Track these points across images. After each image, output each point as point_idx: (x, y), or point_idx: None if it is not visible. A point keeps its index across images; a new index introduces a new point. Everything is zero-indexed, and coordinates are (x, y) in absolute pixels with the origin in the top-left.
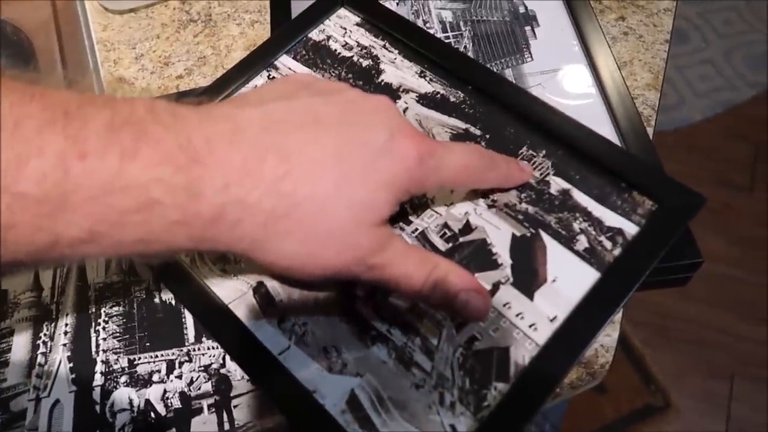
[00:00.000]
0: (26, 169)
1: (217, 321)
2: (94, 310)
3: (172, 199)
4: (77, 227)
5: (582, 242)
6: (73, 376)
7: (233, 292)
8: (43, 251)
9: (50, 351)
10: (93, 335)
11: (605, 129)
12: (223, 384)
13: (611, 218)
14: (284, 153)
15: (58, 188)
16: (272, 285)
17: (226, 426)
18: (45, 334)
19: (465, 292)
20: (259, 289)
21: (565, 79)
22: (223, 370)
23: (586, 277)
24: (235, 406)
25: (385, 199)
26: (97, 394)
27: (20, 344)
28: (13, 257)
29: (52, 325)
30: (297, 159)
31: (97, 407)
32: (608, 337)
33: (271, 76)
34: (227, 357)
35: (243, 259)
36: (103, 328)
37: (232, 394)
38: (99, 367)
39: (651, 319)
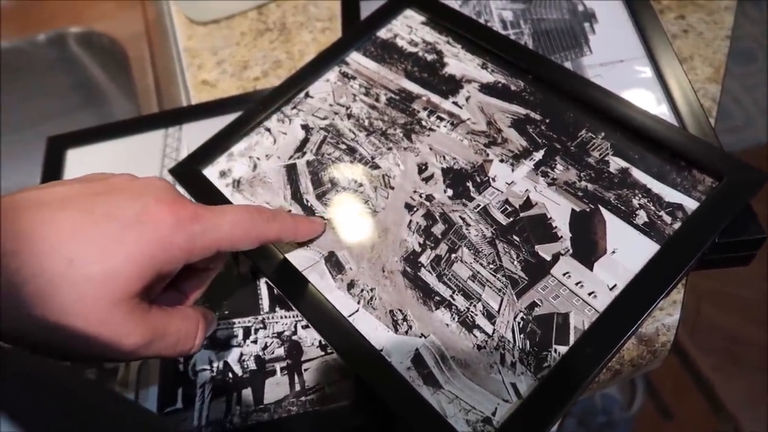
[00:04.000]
0: None
1: (292, 287)
2: None
3: None
4: None
5: (642, 216)
6: None
7: (307, 261)
8: None
9: None
10: None
11: (664, 114)
12: (294, 349)
13: (671, 194)
14: (15, 233)
15: None
16: (342, 254)
17: (297, 387)
18: None
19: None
20: (331, 258)
21: (623, 70)
22: (294, 337)
23: (646, 249)
24: (305, 370)
25: (130, 274)
26: None
27: None
28: None
29: None
30: (26, 238)
31: (181, 366)
32: (670, 316)
33: (342, 71)
34: (299, 325)
35: None
36: None
37: (302, 359)
38: None
39: (721, 344)
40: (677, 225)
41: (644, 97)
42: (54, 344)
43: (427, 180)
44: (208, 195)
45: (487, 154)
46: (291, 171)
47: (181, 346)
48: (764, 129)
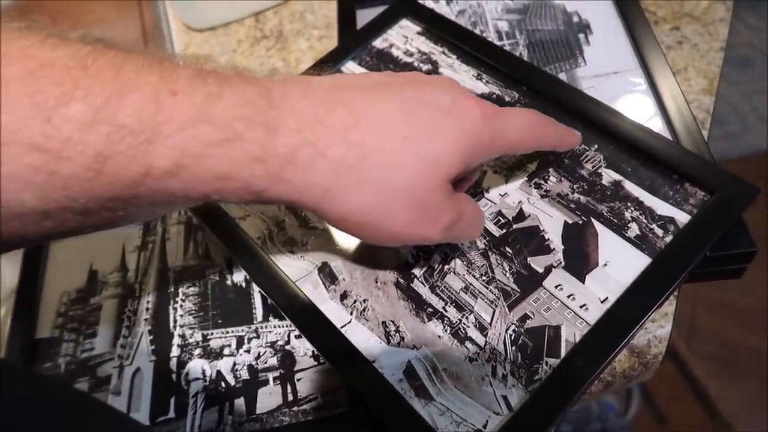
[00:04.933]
0: (125, 102)
1: (285, 297)
2: (172, 289)
3: (252, 134)
4: (165, 158)
5: (633, 229)
6: (153, 347)
7: (300, 271)
8: (136, 183)
9: (133, 325)
10: (171, 312)
11: (658, 126)
12: (287, 359)
13: (663, 207)
14: (352, 108)
15: (151, 120)
16: (335, 265)
17: (290, 397)
18: (129, 310)
19: None
20: (324, 269)
21: (618, 82)
22: (287, 347)
23: (638, 262)
24: (298, 379)
25: (454, 157)
26: (173, 364)
27: (107, 318)
28: (112, 191)
29: (136, 302)
30: (364, 114)
31: (174, 376)
32: (662, 328)
33: None
34: (292, 335)
35: (309, 243)
36: (181, 306)
37: (295, 368)
38: (176, 341)
39: (717, 351)
40: (669, 238)
41: (638, 109)
42: (374, 222)
43: None
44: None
45: (481, 165)
46: None
47: (473, 228)
48: (761, 136)
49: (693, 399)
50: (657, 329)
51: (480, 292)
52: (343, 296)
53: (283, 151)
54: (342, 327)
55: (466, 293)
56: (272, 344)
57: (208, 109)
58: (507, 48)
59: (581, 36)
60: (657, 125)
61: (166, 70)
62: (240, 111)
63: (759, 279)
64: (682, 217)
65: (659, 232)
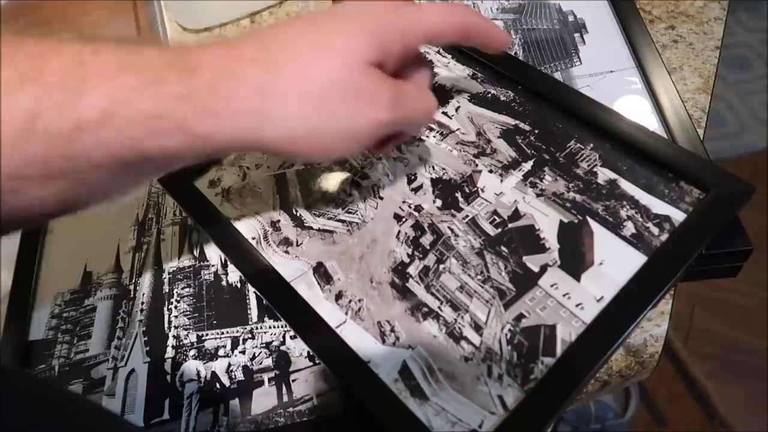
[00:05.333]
0: (49, 64)
1: (280, 297)
2: (167, 290)
3: (174, 75)
4: (94, 108)
5: (629, 228)
6: (148, 348)
7: (295, 271)
8: (69, 140)
9: (128, 326)
10: (166, 313)
11: (653, 125)
12: (282, 360)
13: (658, 206)
14: (261, 39)
15: (76, 75)
16: (331, 265)
17: (285, 398)
18: (123, 311)
19: None
20: (319, 269)
21: (613, 81)
22: (283, 347)
23: (633, 260)
24: (293, 380)
25: (364, 41)
26: (168, 366)
27: (101, 319)
28: (45, 151)
29: (130, 303)
30: (271, 39)
31: (168, 377)
32: (658, 327)
33: None
34: (287, 335)
35: (304, 243)
36: (175, 307)
37: (291, 369)
38: (170, 342)
39: (716, 351)
40: (664, 236)
41: (633, 108)
42: (320, 128)
43: (416, 190)
44: (198, 204)
45: (476, 165)
46: (281, 181)
47: (423, 103)
48: (759, 136)
49: (692, 399)
50: (653, 328)
51: (475, 291)
52: (338, 296)
53: (205, 86)
54: (337, 327)
55: (462, 292)
56: (267, 345)
57: (131, 61)
58: None
59: (576, 35)
60: (652, 124)
61: (88, 39)
62: (160, 60)
63: (758, 278)
64: (678, 216)
65: (655, 230)
